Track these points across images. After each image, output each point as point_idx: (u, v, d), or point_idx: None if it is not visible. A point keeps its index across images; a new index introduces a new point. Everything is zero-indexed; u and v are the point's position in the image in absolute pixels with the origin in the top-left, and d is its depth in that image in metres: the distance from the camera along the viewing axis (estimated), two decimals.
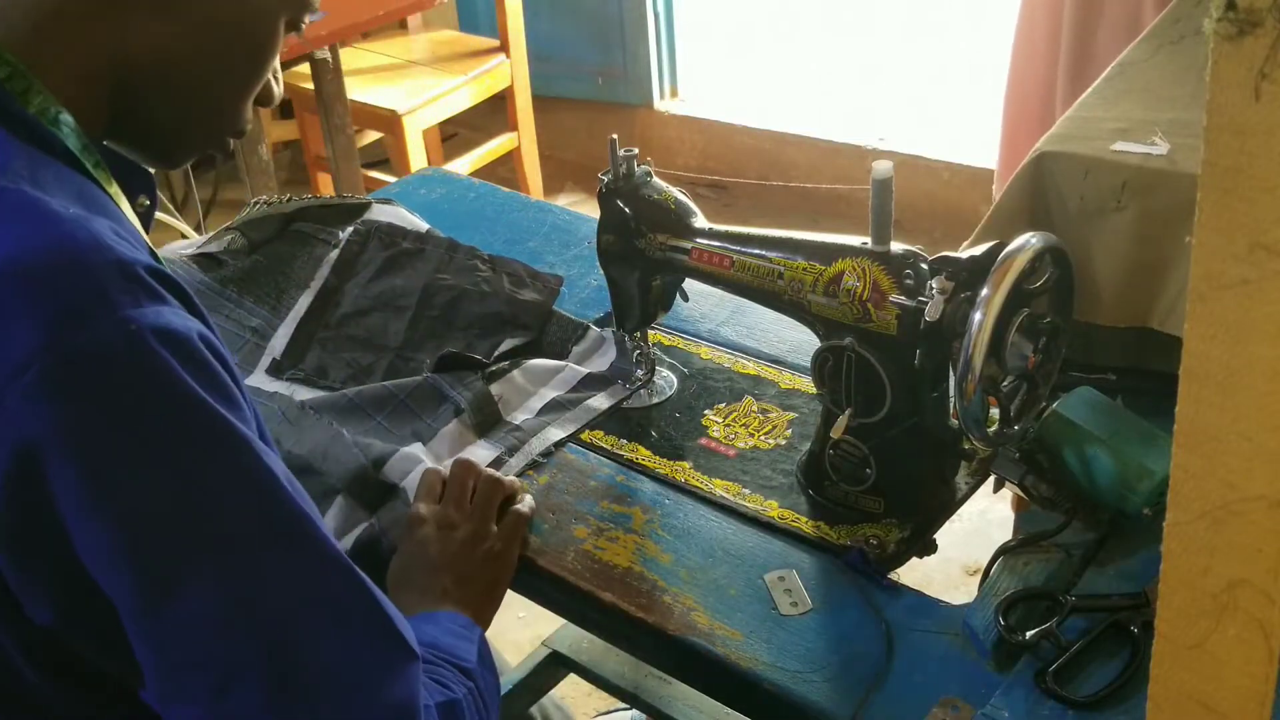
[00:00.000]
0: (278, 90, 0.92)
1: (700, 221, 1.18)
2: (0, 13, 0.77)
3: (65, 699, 0.76)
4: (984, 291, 0.94)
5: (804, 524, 1.10)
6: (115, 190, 0.81)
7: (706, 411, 1.26)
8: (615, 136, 1.19)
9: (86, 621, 0.70)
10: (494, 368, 1.28)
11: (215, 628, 0.68)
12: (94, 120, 0.81)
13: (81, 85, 0.79)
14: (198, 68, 0.83)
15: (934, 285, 0.98)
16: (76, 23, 0.78)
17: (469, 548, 1.04)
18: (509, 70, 3.08)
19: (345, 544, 1.08)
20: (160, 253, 0.84)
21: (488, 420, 1.24)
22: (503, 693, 1.53)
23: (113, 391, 0.66)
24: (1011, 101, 2.28)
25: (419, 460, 1.15)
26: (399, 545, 1.05)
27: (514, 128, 3.18)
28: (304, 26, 0.89)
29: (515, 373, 1.28)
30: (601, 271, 1.27)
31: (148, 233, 0.84)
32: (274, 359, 1.34)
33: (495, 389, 1.26)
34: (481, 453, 1.20)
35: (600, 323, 1.37)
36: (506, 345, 1.32)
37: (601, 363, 1.33)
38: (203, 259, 1.46)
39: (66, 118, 0.77)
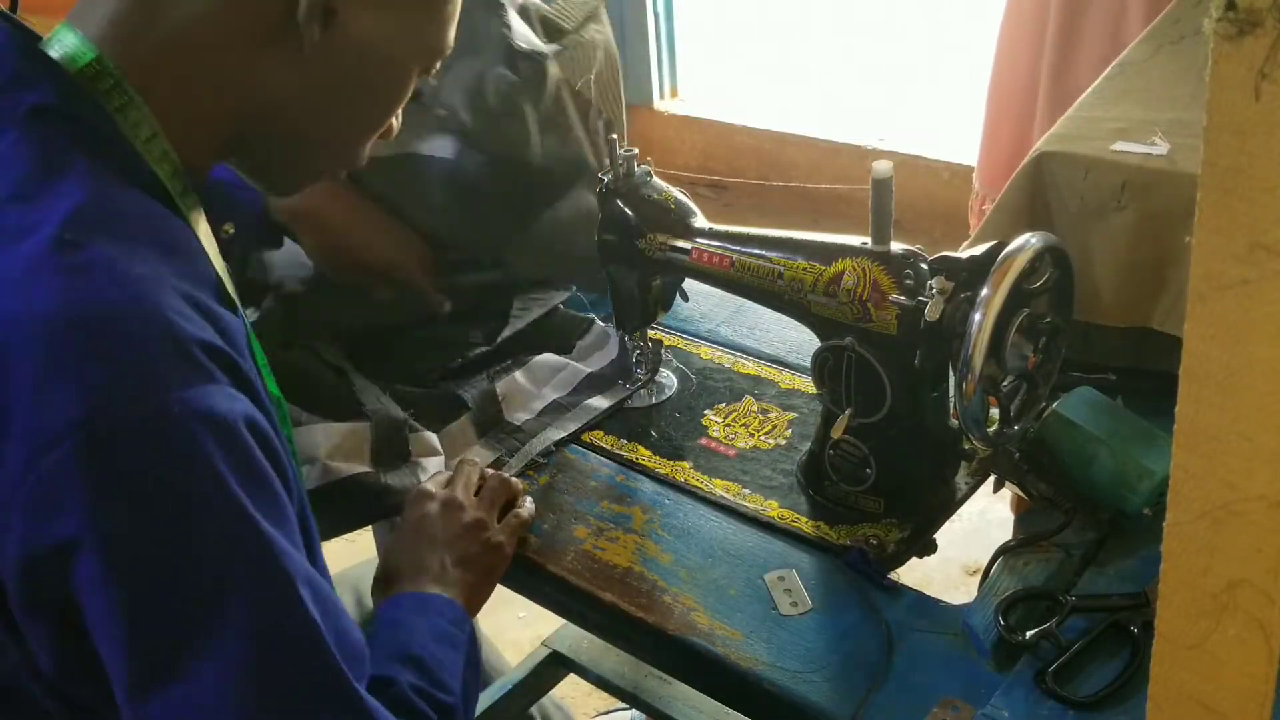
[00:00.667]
0: (397, 125, 0.91)
1: (700, 221, 1.18)
2: (122, 33, 0.75)
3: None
4: (984, 291, 0.94)
5: (804, 524, 1.10)
6: (203, 226, 0.80)
7: (706, 411, 1.26)
8: (615, 136, 1.19)
9: (86, 677, 0.70)
10: (498, 366, 1.29)
11: (200, 715, 0.68)
12: (205, 149, 0.80)
13: (198, 116, 0.78)
14: (325, 115, 0.83)
15: (934, 285, 0.98)
16: (205, 56, 0.77)
17: (472, 531, 1.04)
18: None
19: (342, 468, 1.11)
20: None
21: (489, 420, 1.24)
22: (503, 693, 1.53)
23: (144, 476, 0.65)
24: (994, 97, 2.29)
25: (438, 452, 1.17)
26: (402, 518, 1.06)
27: None
28: (434, 71, 0.88)
29: (519, 373, 1.28)
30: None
31: (228, 259, 0.83)
32: None
33: (500, 388, 1.26)
34: (482, 453, 1.20)
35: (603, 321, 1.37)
36: (513, 323, 1.32)
37: (603, 359, 1.33)
38: None
39: (168, 149, 0.76)
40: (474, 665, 0.93)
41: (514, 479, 1.13)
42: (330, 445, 1.13)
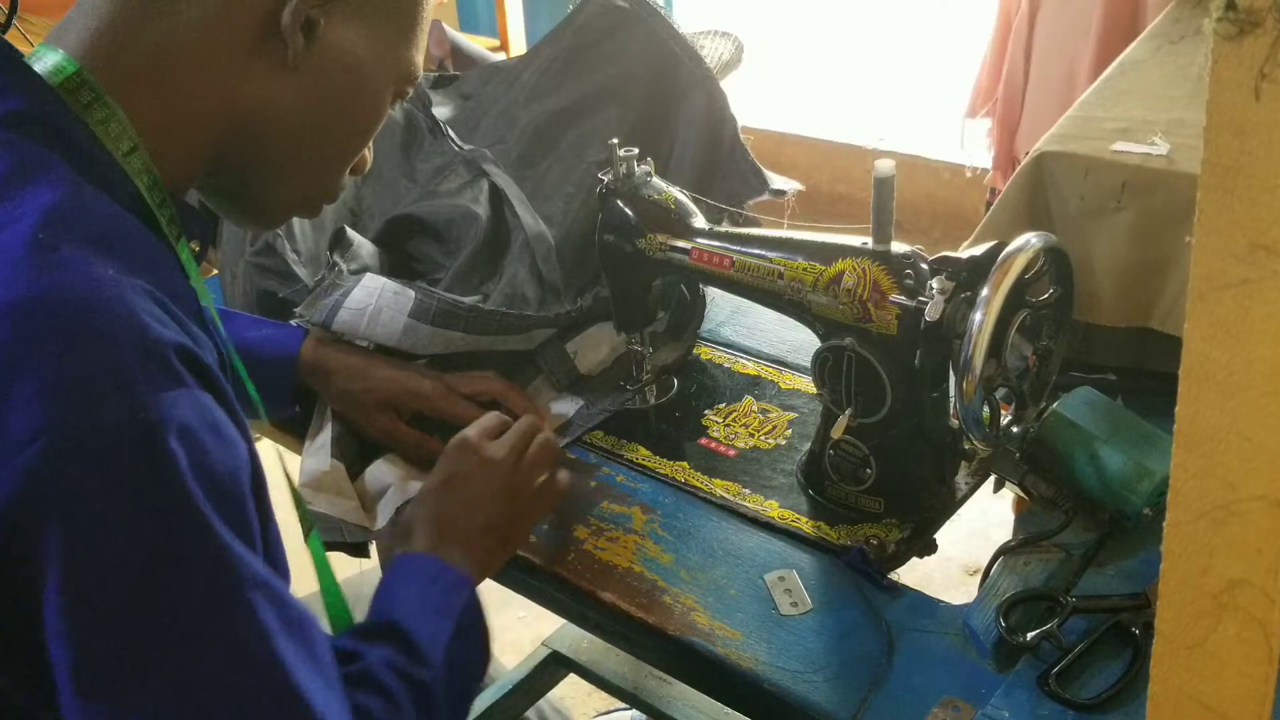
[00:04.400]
0: (370, 159, 0.91)
1: (700, 221, 1.18)
2: (103, 48, 0.76)
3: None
4: (984, 291, 0.94)
5: (804, 524, 1.10)
6: (181, 242, 0.80)
7: (706, 411, 1.26)
8: (615, 141, 1.18)
9: (25, 673, 0.69)
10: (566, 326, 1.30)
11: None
12: (186, 166, 0.80)
13: (181, 131, 0.78)
14: (307, 132, 0.83)
15: (934, 285, 0.98)
16: (189, 70, 0.77)
17: (504, 496, 1.01)
18: None
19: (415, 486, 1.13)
20: None
21: (563, 377, 1.29)
22: (502, 693, 1.53)
23: (107, 482, 0.64)
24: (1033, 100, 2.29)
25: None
26: (438, 463, 1.03)
27: None
28: (407, 96, 0.89)
29: (591, 329, 1.31)
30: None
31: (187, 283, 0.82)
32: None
33: (570, 346, 1.29)
34: (563, 407, 1.27)
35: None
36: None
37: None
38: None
39: (148, 163, 0.76)
40: (468, 634, 0.90)
41: (557, 442, 1.09)
42: (400, 472, 1.17)
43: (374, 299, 1.20)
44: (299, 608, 0.73)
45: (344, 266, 1.26)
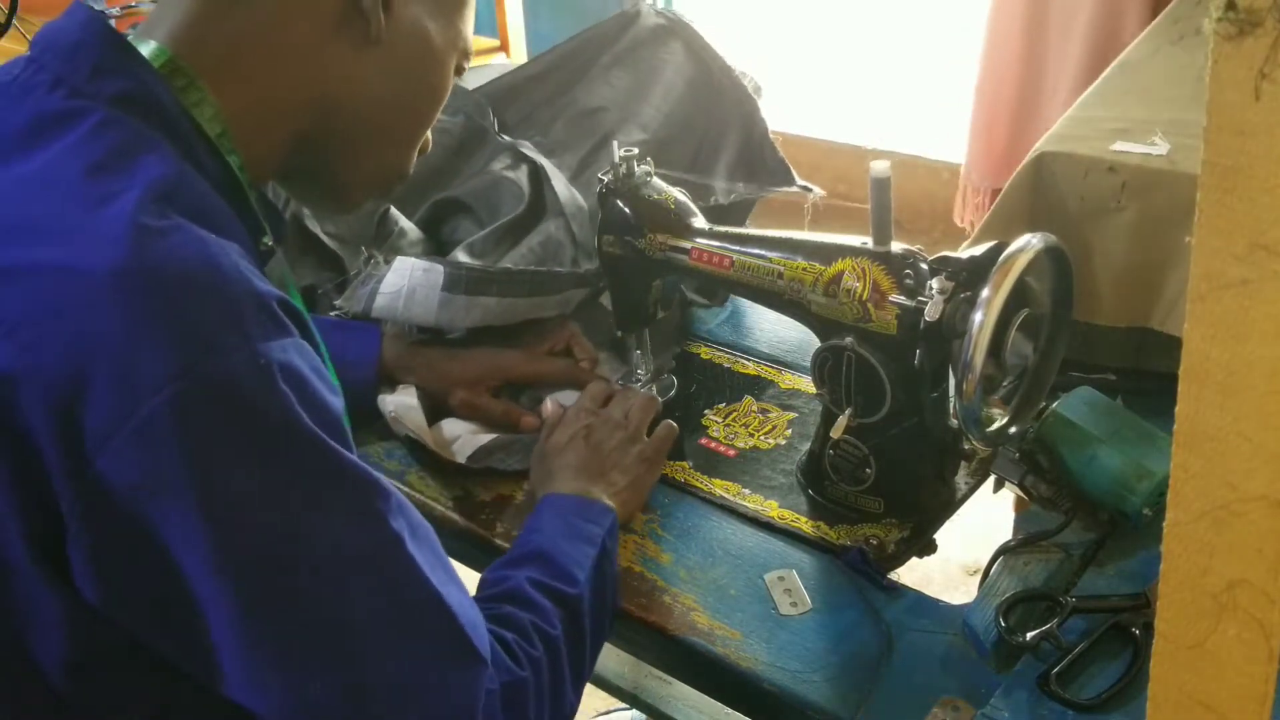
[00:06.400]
0: (430, 139, 0.96)
1: (700, 221, 1.18)
2: (192, 35, 0.79)
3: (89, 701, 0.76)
4: (984, 291, 0.94)
5: (804, 524, 1.10)
6: (265, 216, 0.84)
7: (706, 411, 1.26)
8: (616, 141, 1.18)
9: (172, 618, 0.72)
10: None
11: (302, 637, 0.72)
12: (271, 150, 0.83)
13: (266, 114, 0.82)
14: (388, 108, 0.87)
15: (934, 285, 0.98)
16: (274, 53, 0.81)
17: (627, 445, 1.12)
18: None
19: (483, 438, 1.19)
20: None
21: (604, 336, 1.31)
22: None
23: (239, 422, 0.69)
24: (983, 89, 2.33)
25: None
26: (562, 423, 1.15)
27: None
28: (465, 70, 0.93)
29: None
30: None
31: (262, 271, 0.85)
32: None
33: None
34: (612, 364, 1.30)
35: None
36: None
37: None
38: None
39: (235, 148, 0.80)
40: (610, 557, 0.99)
41: (656, 398, 1.21)
42: (471, 426, 1.21)
43: (406, 280, 1.23)
44: (419, 515, 0.79)
45: (379, 258, 1.28)
